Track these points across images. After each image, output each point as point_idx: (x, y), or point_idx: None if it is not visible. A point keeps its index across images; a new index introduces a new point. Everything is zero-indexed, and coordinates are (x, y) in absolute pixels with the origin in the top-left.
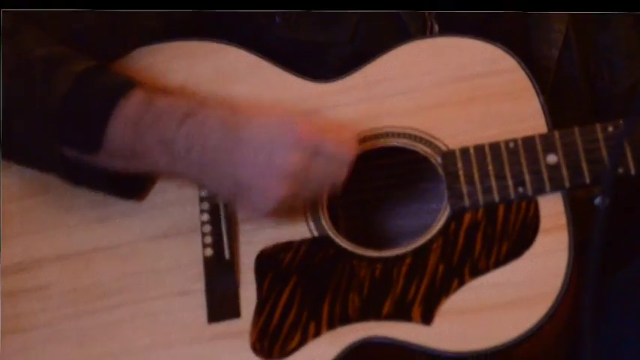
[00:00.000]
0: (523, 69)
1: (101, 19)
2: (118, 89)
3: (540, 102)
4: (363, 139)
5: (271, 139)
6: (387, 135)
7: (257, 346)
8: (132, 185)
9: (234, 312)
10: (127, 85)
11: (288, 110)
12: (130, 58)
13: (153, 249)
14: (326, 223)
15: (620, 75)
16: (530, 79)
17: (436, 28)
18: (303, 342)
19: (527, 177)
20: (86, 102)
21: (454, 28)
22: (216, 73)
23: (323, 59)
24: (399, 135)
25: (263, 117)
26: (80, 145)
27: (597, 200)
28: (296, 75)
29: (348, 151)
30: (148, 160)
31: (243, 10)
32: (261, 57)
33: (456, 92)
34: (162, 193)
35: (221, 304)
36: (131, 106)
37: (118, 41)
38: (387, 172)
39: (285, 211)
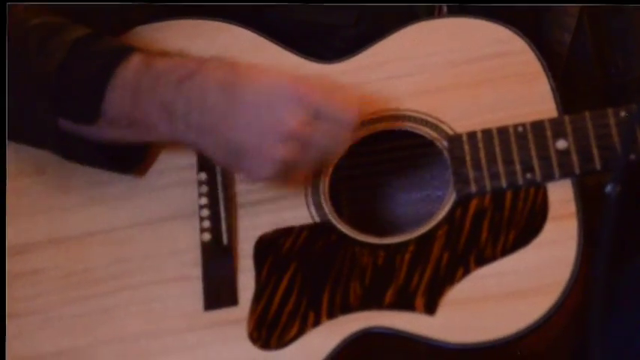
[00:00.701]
0: (533, 51)
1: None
2: (116, 55)
3: (551, 85)
4: (367, 122)
5: (271, 99)
6: (391, 118)
7: (254, 335)
8: (130, 158)
9: (231, 299)
10: (125, 50)
11: (287, 72)
12: (127, 36)
13: (149, 233)
14: (327, 209)
15: (634, 61)
16: (541, 62)
17: (445, 9)
18: (302, 331)
19: (535, 162)
20: (82, 70)
21: (464, 11)
22: (216, 52)
23: (327, 42)
24: (403, 118)
25: (264, 76)
26: (77, 115)
27: (608, 188)
28: (299, 55)
29: (352, 114)
30: (147, 127)
31: None
32: (262, 36)
33: (464, 74)
34: (160, 175)
35: (218, 291)
36: (129, 71)
37: (117, 19)
38: (391, 156)
39: (285, 179)
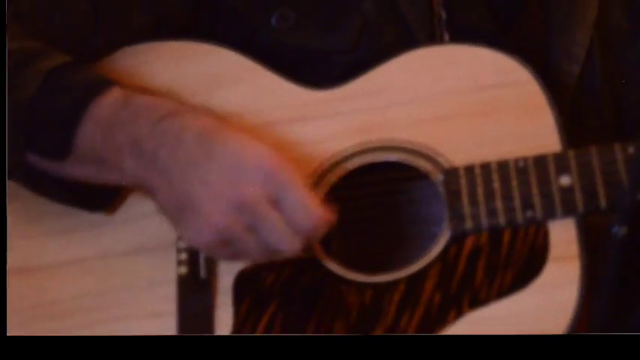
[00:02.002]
0: (538, 82)
1: (86, 13)
2: (91, 89)
3: (555, 118)
4: (359, 152)
5: (239, 164)
6: (385, 148)
7: None
8: (98, 197)
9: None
10: (102, 83)
11: (275, 149)
12: (113, 58)
13: (124, 265)
14: (313, 242)
15: None
16: (546, 94)
17: (447, 37)
18: None
19: (536, 199)
20: (55, 103)
21: (466, 39)
22: (205, 77)
23: (322, 68)
24: (398, 149)
25: (243, 140)
26: (46, 151)
27: (615, 229)
28: (291, 82)
29: (311, 217)
30: (113, 164)
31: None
32: (254, 61)
33: (464, 104)
34: (137, 204)
35: (193, 329)
36: (106, 105)
37: (103, 38)
38: (384, 188)
39: (221, 256)
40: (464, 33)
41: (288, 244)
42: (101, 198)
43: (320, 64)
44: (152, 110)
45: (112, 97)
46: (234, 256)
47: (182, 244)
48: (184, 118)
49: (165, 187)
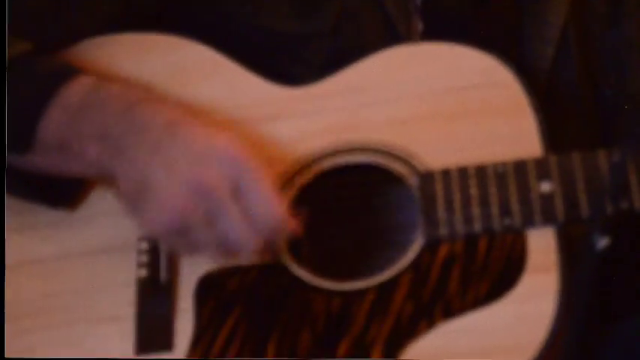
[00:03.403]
0: (519, 83)
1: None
2: (61, 75)
3: (536, 121)
4: (331, 153)
5: (205, 150)
6: (359, 150)
7: None
8: (61, 192)
9: (165, 344)
10: (71, 70)
11: (243, 140)
12: (75, 49)
13: (81, 266)
14: (280, 247)
15: (631, 79)
16: (527, 95)
17: (420, 24)
18: None
19: (515, 206)
20: (17, 93)
21: (439, 23)
22: (171, 72)
23: (298, 54)
24: (372, 150)
25: (211, 130)
26: (8, 144)
27: (596, 239)
28: (263, 78)
29: (272, 213)
30: (78, 151)
31: None
32: (224, 56)
33: (442, 105)
34: (99, 202)
35: (152, 334)
36: (76, 92)
37: (66, 28)
38: (357, 192)
39: (177, 244)
40: (437, 18)
41: (244, 241)
42: (63, 193)
43: (298, 50)
44: (122, 97)
45: (83, 82)
46: (189, 248)
47: (143, 246)
48: (155, 106)
49: (126, 173)
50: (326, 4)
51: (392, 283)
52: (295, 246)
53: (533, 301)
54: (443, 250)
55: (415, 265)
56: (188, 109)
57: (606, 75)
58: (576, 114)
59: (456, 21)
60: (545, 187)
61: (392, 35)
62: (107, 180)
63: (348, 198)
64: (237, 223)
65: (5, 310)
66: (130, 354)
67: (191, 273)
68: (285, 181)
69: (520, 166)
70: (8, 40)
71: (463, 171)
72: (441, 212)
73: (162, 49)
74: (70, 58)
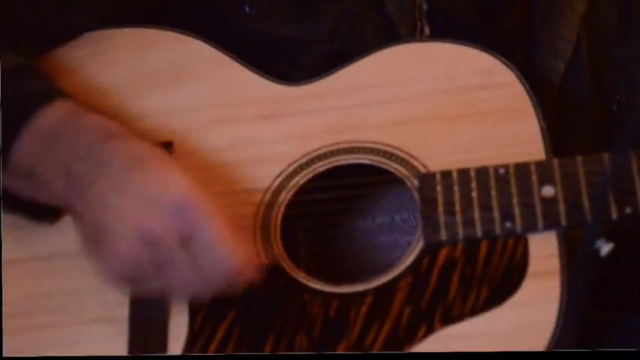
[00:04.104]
0: (523, 84)
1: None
2: (40, 97)
3: (540, 124)
4: (329, 153)
5: (157, 197)
6: (358, 150)
7: None
8: (41, 209)
9: (159, 346)
10: (51, 93)
11: (201, 184)
12: (73, 44)
13: (73, 266)
14: (277, 248)
15: (639, 95)
16: (530, 97)
17: (427, 30)
18: None
19: (517, 210)
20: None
21: (447, 31)
22: (169, 67)
23: (297, 58)
24: (371, 151)
25: (168, 173)
26: None
27: (599, 244)
28: (261, 75)
29: (221, 265)
30: (45, 183)
31: None
32: (223, 51)
33: (442, 106)
34: None
35: (145, 336)
36: (51, 117)
37: (64, 23)
38: (355, 193)
39: (134, 290)
40: (445, 26)
41: (192, 290)
42: (44, 210)
43: (295, 54)
44: (93, 132)
45: (59, 109)
46: (144, 293)
47: None
48: (116, 144)
49: (85, 214)
50: (325, 9)
51: (390, 287)
52: (292, 247)
53: (535, 307)
54: (442, 255)
55: (414, 268)
56: (156, 145)
57: (616, 91)
58: (585, 129)
59: (464, 26)
60: (548, 190)
61: (392, 39)
62: (72, 216)
63: (346, 199)
64: (183, 274)
65: None
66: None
67: None
68: (282, 182)
69: (522, 169)
70: (0, 53)
71: (464, 173)
72: (441, 215)
73: (161, 43)
74: (68, 53)
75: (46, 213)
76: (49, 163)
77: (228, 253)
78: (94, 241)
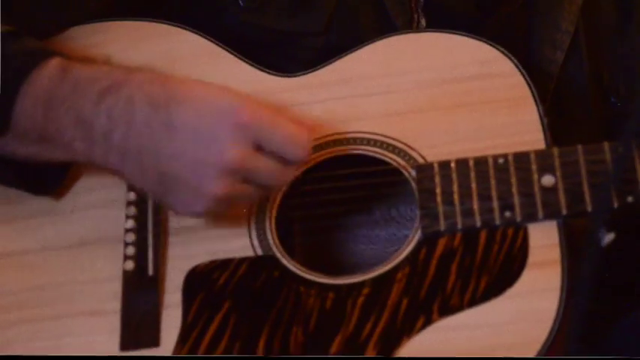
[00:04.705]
0: (522, 74)
1: None
2: (31, 58)
3: (539, 113)
4: (325, 144)
5: (208, 126)
6: (354, 141)
7: None
8: (46, 178)
9: (152, 340)
10: (42, 53)
11: (230, 90)
12: (63, 37)
13: (66, 259)
14: (272, 240)
15: (638, 88)
16: (530, 87)
17: (423, 22)
18: None
19: (516, 199)
20: None
21: (444, 23)
22: (164, 60)
23: (292, 51)
24: (368, 142)
25: (202, 95)
26: None
27: (600, 234)
28: (256, 67)
29: (299, 149)
30: (61, 144)
31: None
32: (218, 44)
33: (441, 96)
34: (83, 192)
35: (138, 329)
36: (44, 77)
37: (54, 16)
38: (351, 183)
39: (225, 211)
40: (442, 17)
41: (284, 177)
42: (48, 179)
43: (291, 48)
44: (91, 84)
45: (51, 68)
46: (237, 207)
47: (129, 238)
48: (129, 89)
49: (134, 170)
50: (321, 1)
51: (388, 278)
52: (287, 238)
53: (535, 297)
54: (441, 245)
55: (412, 259)
56: (162, 73)
57: (616, 83)
58: (583, 120)
59: (461, 18)
60: (548, 179)
61: (389, 31)
62: (109, 171)
63: (343, 190)
64: (273, 172)
65: None
66: (115, 350)
67: (179, 266)
68: None
69: (521, 158)
70: None
71: (462, 163)
72: (440, 205)
73: (154, 36)
74: (58, 46)
75: (50, 183)
76: (58, 123)
77: (299, 134)
78: (169, 191)
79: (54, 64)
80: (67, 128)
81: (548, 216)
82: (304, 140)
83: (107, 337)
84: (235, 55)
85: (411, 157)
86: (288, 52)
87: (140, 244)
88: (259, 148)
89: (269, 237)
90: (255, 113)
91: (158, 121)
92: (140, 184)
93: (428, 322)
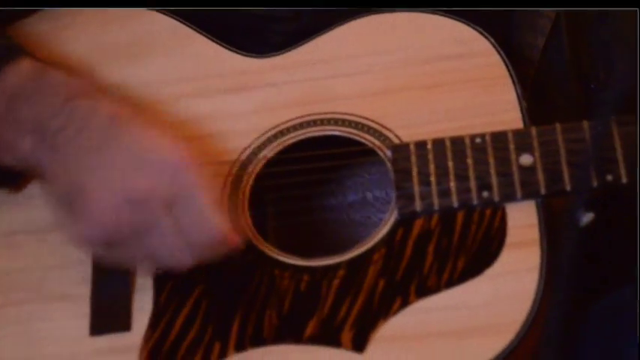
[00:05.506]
0: (498, 53)
1: None
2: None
3: (517, 93)
4: (301, 125)
5: (144, 156)
6: (329, 122)
7: None
8: (4, 174)
9: (123, 324)
10: (14, 50)
11: (188, 143)
12: (30, 21)
13: (33, 243)
14: (245, 221)
15: (617, 74)
16: (507, 65)
17: None
18: None
19: (494, 179)
20: None
21: (421, 6)
22: (132, 41)
23: (264, 35)
24: (343, 122)
25: (156, 132)
26: None
27: (579, 214)
28: (229, 48)
29: (209, 233)
30: (11, 142)
31: None
32: (185, 24)
33: (416, 76)
34: None
35: (108, 314)
36: (13, 75)
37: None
38: (326, 165)
39: (103, 256)
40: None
41: (174, 257)
42: (6, 175)
43: (262, 32)
44: (63, 87)
45: (22, 67)
46: (118, 261)
47: None
48: (97, 100)
49: (59, 173)
50: None
51: (364, 260)
52: (261, 221)
53: (514, 278)
54: (417, 226)
55: (388, 240)
56: (136, 106)
57: (595, 69)
58: (563, 107)
59: (441, 5)
60: (526, 159)
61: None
62: (38, 177)
63: (317, 171)
64: (167, 239)
65: None
66: (85, 334)
67: None
68: (250, 155)
69: (499, 138)
70: None
71: (439, 143)
72: (416, 186)
73: (124, 18)
74: (24, 30)
75: (7, 181)
76: (15, 121)
77: (216, 221)
78: (69, 202)
79: (26, 63)
80: (23, 124)
81: (527, 196)
82: (216, 229)
83: (77, 322)
84: (207, 37)
85: (386, 138)
86: (259, 35)
87: None
88: (173, 207)
89: (242, 219)
90: (194, 171)
91: (107, 134)
92: (53, 191)
93: (405, 304)
